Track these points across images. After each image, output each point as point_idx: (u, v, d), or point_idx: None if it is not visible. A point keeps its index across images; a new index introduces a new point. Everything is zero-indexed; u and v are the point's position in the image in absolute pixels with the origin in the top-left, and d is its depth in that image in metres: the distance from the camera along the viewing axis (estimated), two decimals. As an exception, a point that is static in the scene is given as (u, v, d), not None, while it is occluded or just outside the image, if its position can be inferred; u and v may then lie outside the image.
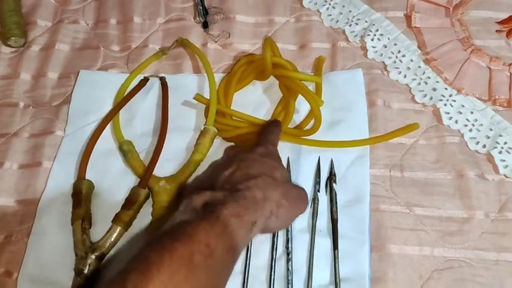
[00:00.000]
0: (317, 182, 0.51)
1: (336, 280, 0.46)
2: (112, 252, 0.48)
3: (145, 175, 0.52)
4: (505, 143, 0.51)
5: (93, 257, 0.48)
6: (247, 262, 0.47)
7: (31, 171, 0.54)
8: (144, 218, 0.50)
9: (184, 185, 0.52)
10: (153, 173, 0.52)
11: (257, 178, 0.42)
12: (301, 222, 0.49)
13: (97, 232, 0.49)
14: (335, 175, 0.51)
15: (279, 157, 0.47)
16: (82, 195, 0.51)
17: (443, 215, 0.49)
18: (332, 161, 0.52)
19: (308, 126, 0.54)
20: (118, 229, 0.49)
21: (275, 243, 0.49)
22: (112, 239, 0.49)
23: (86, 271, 0.47)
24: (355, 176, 0.51)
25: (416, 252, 0.47)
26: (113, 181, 0.53)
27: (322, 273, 0.47)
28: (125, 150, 0.54)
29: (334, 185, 0.51)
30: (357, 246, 0.48)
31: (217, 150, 0.54)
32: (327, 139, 0.53)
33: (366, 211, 0.49)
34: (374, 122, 0.54)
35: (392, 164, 0.52)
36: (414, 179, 0.51)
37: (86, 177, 0.53)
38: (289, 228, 0.49)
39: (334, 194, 0.50)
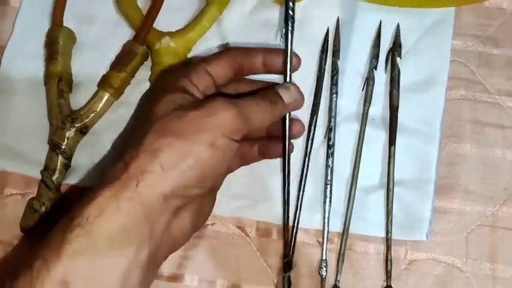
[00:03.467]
0: (375, 56, 0.39)
1: (389, 183, 0.36)
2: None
3: (143, 27, 0.39)
4: None
5: (72, 128, 0.37)
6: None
7: None
8: (139, 84, 0.40)
9: (193, 44, 0.40)
10: (154, 26, 0.40)
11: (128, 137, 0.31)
12: (348, 107, 0.38)
13: (78, 98, 0.40)
14: (400, 46, 0.39)
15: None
16: (58, 47, 0.40)
17: (548, 110, 0.37)
18: (398, 27, 0.39)
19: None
20: (106, 96, 0.39)
21: (311, 131, 0.37)
22: (98, 108, 0.39)
23: (64, 146, 0.37)
24: (429, 49, 0.39)
25: (504, 156, 0.37)
26: (101, 33, 0.42)
27: (371, 174, 0.37)
28: (118, -8, 0.41)
29: (398, 59, 0.38)
30: (422, 142, 0.37)
31: (239, 0, 0.41)
32: (397, -6, 0.39)
33: (441, 98, 0.38)
34: (465, -26, 0.40)
35: (484, 36, 0.39)
36: None
37: (66, 25, 0.41)
38: (333, 112, 0.37)
39: (397, 71, 0.38)
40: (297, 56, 0.34)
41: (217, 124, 0.28)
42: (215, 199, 0.33)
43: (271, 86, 0.33)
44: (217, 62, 0.33)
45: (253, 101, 0.31)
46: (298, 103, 0.34)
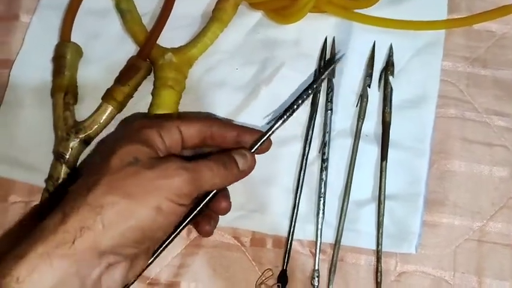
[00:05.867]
0: (369, 74, 0.40)
1: (380, 197, 0.36)
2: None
3: (147, 44, 0.41)
4: None
5: (76, 139, 0.38)
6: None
7: (5, 25, 0.44)
8: (142, 98, 0.41)
9: (194, 60, 0.41)
10: (158, 42, 0.41)
11: (76, 182, 0.30)
12: (342, 123, 0.39)
13: (83, 110, 0.41)
14: (393, 66, 0.40)
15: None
16: (65, 61, 0.41)
17: (534, 129, 0.37)
18: (391, 47, 0.40)
19: (365, -2, 0.41)
20: (109, 109, 0.40)
21: (307, 145, 0.38)
22: (101, 119, 0.40)
23: (68, 156, 0.38)
24: (421, 69, 0.40)
25: (491, 172, 0.37)
26: (106, 48, 0.43)
27: (363, 188, 0.38)
28: (124, 9, 0.43)
29: (391, 78, 0.40)
30: (413, 158, 0.38)
31: (239, 19, 0.42)
32: (389, 17, 0.41)
33: (431, 115, 0.39)
34: (456, -1, 0.41)
35: (472, 58, 0.40)
36: (500, 79, 0.39)
37: (74, 40, 0.42)
38: (328, 128, 0.38)
39: (390, 90, 0.39)
40: (270, 140, 0.34)
41: (166, 188, 0.28)
42: (149, 258, 0.31)
43: (227, 151, 0.32)
44: (192, 125, 0.32)
45: (207, 165, 0.30)
46: (251, 170, 0.33)
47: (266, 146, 0.35)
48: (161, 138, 0.31)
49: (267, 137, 0.34)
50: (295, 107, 0.35)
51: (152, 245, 0.31)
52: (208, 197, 0.32)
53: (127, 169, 0.28)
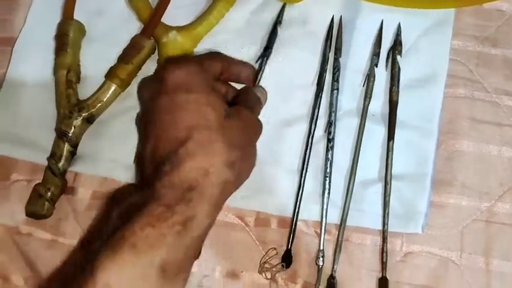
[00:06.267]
0: (376, 53, 0.39)
1: (386, 177, 0.36)
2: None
3: (151, 21, 0.40)
4: None
5: (79, 117, 0.38)
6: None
7: (8, 3, 0.44)
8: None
9: (200, 39, 0.41)
10: (162, 20, 0.40)
11: (187, 142, 0.29)
12: (349, 103, 0.39)
13: (86, 89, 0.40)
14: (400, 45, 0.39)
15: (205, 74, 0.34)
16: (68, 39, 0.41)
17: (544, 109, 0.37)
18: (399, 26, 0.40)
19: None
20: (113, 87, 0.39)
21: (312, 124, 0.38)
22: (105, 98, 0.39)
23: (70, 134, 0.38)
24: (429, 48, 0.39)
25: (500, 153, 0.37)
26: (110, 26, 0.42)
27: (369, 168, 0.37)
28: (129, -14, 0.42)
29: (398, 57, 0.39)
30: (420, 138, 0.37)
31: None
32: (398, -6, 0.40)
33: (439, 95, 0.38)
34: (466, -24, 0.40)
35: (483, 37, 0.39)
36: (510, 59, 0.39)
37: (77, 18, 0.42)
38: (334, 108, 0.38)
39: (397, 69, 0.39)
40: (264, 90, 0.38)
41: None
42: None
43: (248, 89, 0.38)
44: (214, 60, 0.36)
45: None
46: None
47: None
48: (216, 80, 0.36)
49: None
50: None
51: None
52: None
53: (231, 122, 0.32)
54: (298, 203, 0.36)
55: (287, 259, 0.35)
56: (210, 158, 0.29)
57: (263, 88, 0.38)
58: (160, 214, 0.27)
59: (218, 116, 0.31)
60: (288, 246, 0.36)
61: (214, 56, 0.38)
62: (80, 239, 0.37)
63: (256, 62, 0.39)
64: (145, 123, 0.34)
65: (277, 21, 0.40)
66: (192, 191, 0.28)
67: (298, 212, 0.36)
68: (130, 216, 0.27)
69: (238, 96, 0.37)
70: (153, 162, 0.30)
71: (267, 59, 0.39)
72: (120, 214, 0.29)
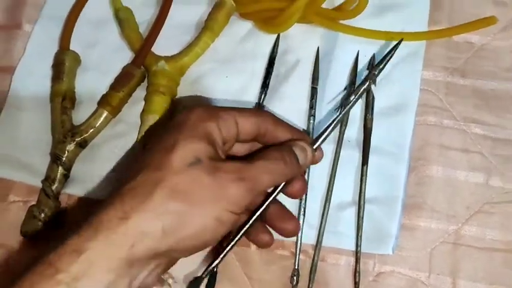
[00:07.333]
0: (352, 82, 0.41)
1: (360, 200, 0.38)
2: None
3: (142, 51, 0.43)
4: None
5: (73, 142, 0.40)
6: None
7: (9, 33, 0.46)
8: (136, 104, 0.43)
9: (186, 68, 0.43)
10: (153, 50, 0.43)
11: (135, 178, 0.28)
12: None
13: (80, 115, 0.43)
14: (375, 75, 0.40)
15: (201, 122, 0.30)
16: (64, 68, 0.43)
17: (509, 137, 0.39)
18: (373, 57, 0.42)
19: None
20: (105, 113, 0.42)
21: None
22: (97, 124, 0.41)
23: (64, 158, 0.40)
24: (401, 78, 0.41)
25: (467, 178, 0.38)
26: (104, 56, 0.45)
27: (344, 192, 0.39)
28: (123, 18, 0.45)
29: (373, 86, 0.40)
30: (392, 163, 0.39)
31: (231, 29, 0.44)
32: (372, 27, 0.42)
33: (410, 122, 0.40)
34: (437, 11, 0.43)
35: (452, 68, 0.41)
36: (478, 88, 0.41)
37: (73, 49, 0.45)
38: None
39: (371, 97, 0.41)
40: (321, 149, 0.34)
41: (226, 198, 0.27)
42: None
43: (286, 143, 0.31)
44: (249, 118, 0.31)
45: (266, 168, 0.29)
46: (314, 160, 0.33)
47: (318, 157, 0.34)
48: (219, 131, 0.29)
49: (326, 136, 0.33)
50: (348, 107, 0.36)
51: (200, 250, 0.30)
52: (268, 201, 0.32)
53: (189, 171, 0.27)
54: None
55: (211, 284, 0.36)
56: (140, 203, 0.27)
57: (310, 147, 0.32)
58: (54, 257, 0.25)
59: (183, 158, 0.28)
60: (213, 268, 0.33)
61: (250, 115, 0.31)
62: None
63: (259, 102, 0.41)
64: None
65: (274, 55, 0.42)
66: (97, 233, 0.26)
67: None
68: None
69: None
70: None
71: (265, 95, 0.41)
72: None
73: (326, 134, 0.34)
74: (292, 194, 0.33)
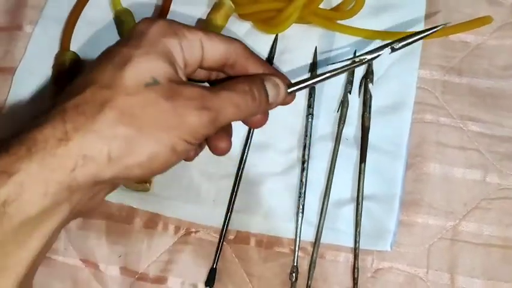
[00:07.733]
0: (349, 82, 0.42)
1: (358, 197, 0.38)
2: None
3: (141, 52, 0.42)
4: None
5: None
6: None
7: (10, 35, 0.47)
8: None
9: None
10: None
11: (80, 95, 0.24)
12: (323, 128, 0.41)
13: None
14: (372, 74, 0.42)
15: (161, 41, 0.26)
16: (65, 69, 0.43)
17: (505, 134, 0.39)
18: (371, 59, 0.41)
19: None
20: None
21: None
22: None
23: None
24: (398, 77, 0.42)
25: (464, 175, 0.39)
26: None
27: (343, 189, 0.39)
28: (122, 20, 0.45)
29: (370, 85, 0.41)
30: (390, 161, 0.39)
31: (230, 30, 0.45)
32: (369, 27, 0.43)
33: (407, 120, 0.40)
34: (432, 11, 0.43)
35: (448, 67, 0.42)
36: (474, 87, 0.41)
37: (73, 49, 0.45)
38: (308, 133, 0.40)
39: (369, 96, 0.41)
40: (294, 94, 0.31)
41: (184, 128, 0.24)
42: None
43: (256, 76, 0.28)
44: (218, 44, 0.27)
45: (232, 100, 0.26)
46: (285, 101, 0.29)
47: (290, 99, 0.30)
48: (182, 51, 0.26)
49: (307, 85, 0.29)
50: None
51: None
52: None
53: (144, 93, 0.24)
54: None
55: (210, 281, 0.37)
56: (85, 121, 0.23)
57: (284, 85, 0.29)
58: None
59: (138, 74, 0.24)
60: (213, 264, 0.37)
61: (220, 41, 0.27)
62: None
63: None
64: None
65: (273, 55, 0.43)
66: (42, 150, 0.22)
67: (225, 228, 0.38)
68: None
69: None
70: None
71: None
72: None
73: (308, 82, 0.30)
74: (249, 123, 0.30)
